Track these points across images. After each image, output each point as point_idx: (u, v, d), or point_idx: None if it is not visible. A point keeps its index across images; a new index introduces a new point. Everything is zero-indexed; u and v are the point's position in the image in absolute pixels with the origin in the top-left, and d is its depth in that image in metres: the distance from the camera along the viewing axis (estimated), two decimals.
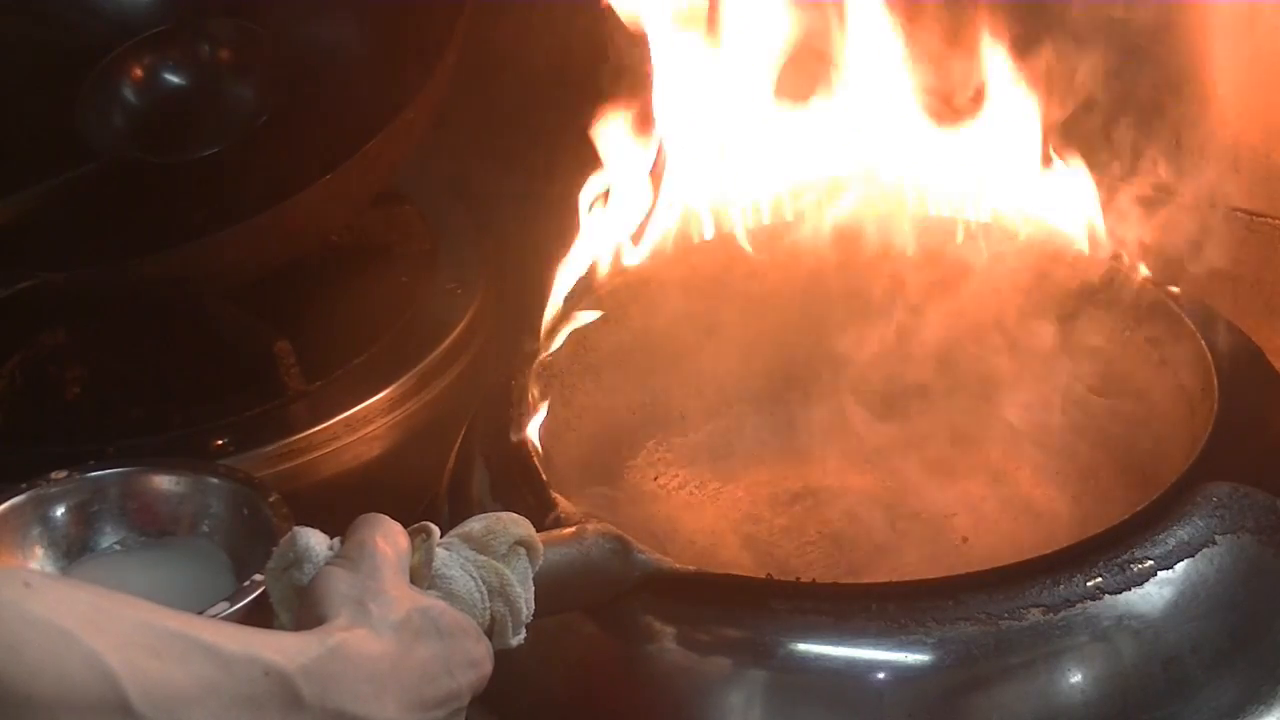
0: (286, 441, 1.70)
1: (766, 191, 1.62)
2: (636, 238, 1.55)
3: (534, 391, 1.43)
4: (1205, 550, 1.24)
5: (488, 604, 1.10)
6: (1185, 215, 1.52)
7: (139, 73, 1.97)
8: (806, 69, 1.61)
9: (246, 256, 1.76)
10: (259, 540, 1.39)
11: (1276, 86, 1.65)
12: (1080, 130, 1.53)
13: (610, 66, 1.58)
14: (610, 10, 1.57)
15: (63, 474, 1.49)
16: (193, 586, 1.42)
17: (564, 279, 1.50)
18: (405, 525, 1.09)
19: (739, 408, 1.60)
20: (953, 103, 1.58)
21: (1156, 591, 1.21)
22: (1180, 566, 1.23)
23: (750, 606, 1.23)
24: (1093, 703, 1.19)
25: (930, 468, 1.50)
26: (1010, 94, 1.55)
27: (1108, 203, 1.53)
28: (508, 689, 1.11)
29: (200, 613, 1.25)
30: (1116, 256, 1.51)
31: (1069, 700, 1.19)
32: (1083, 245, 1.52)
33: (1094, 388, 1.51)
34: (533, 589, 1.13)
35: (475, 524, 1.13)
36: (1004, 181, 1.57)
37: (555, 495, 1.31)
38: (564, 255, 1.51)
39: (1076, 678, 1.19)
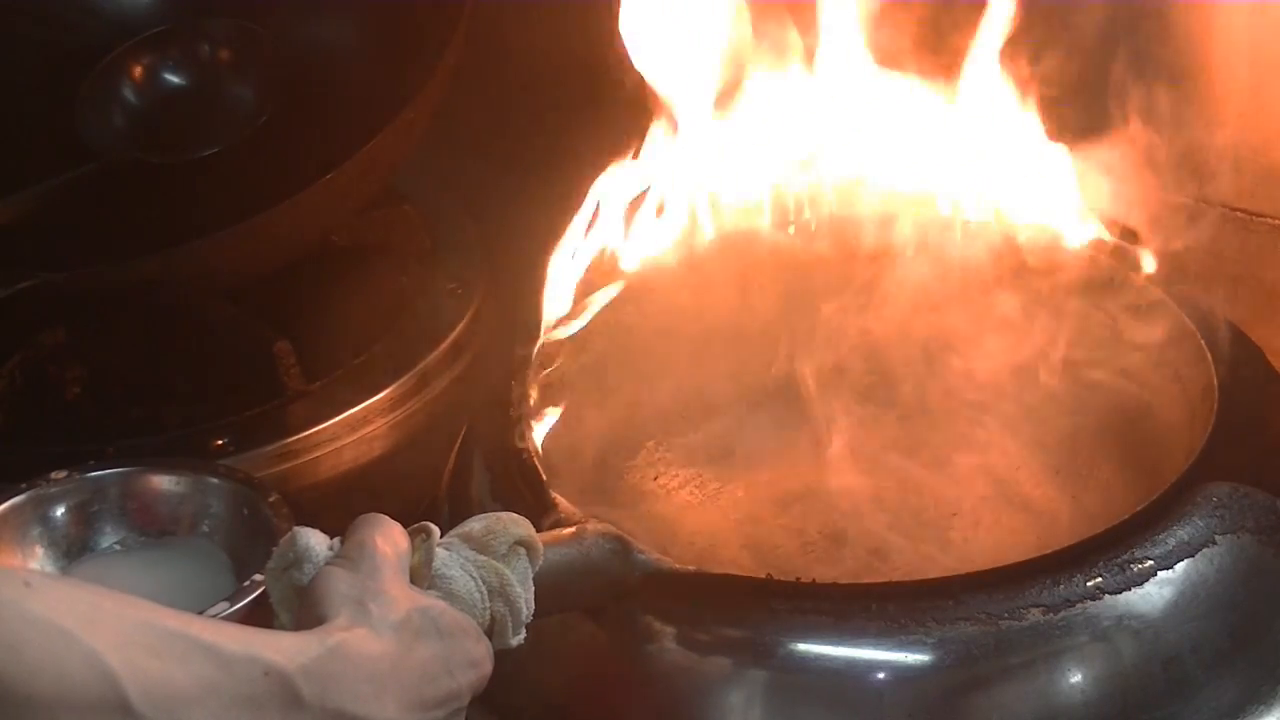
0: (286, 441, 1.70)
1: (766, 191, 1.62)
2: (637, 237, 1.56)
3: (534, 392, 1.43)
4: (1205, 550, 1.24)
5: (488, 604, 1.10)
6: (1185, 215, 1.52)
7: (139, 73, 1.97)
8: (806, 69, 1.61)
9: (246, 256, 1.76)
10: (259, 540, 1.39)
11: (1276, 86, 1.65)
12: (1080, 130, 1.52)
13: (612, 67, 1.58)
14: (611, 11, 1.57)
15: (63, 474, 1.49)
16: (193, 586, 1.42)
17: (564, 279, 1.50)
18: (405, 525, 1.09)
19: (739, 408, 1.60)
20: (952, 103, 1.58)
21: (1156, 591, 1.21)
22: (1180, 566, 1.23)
23: (750, 606, 1.23)
24: (1093, 703, 1.19)
25: (930, 468, 1.50)
26: (1010, 93, 1.54)
27: (1107, 203, 1.52)
28: (508, 689, 1.11)
29: (200, 613, 1.25)
30: (1116, 256, 1.51)
31: (1069, 700, 1.19)
32: (1083, 245, 1.52)
33: (1094, 387, 1.51)
34: (533, 589, 1.13)
35: (475, 524, 1.13)
36: (1004, 181, 1.57)
37: (555, 495, 1.31)
38: (564, 255, 1.51)
39: (1076, 678, 1.19)
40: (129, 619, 0.93)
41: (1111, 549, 1.23)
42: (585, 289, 1.52)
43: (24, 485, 1.47)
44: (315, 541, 1.07)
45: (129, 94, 1.97)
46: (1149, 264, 1.50)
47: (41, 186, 1.84)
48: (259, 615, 1.24)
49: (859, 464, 1.53)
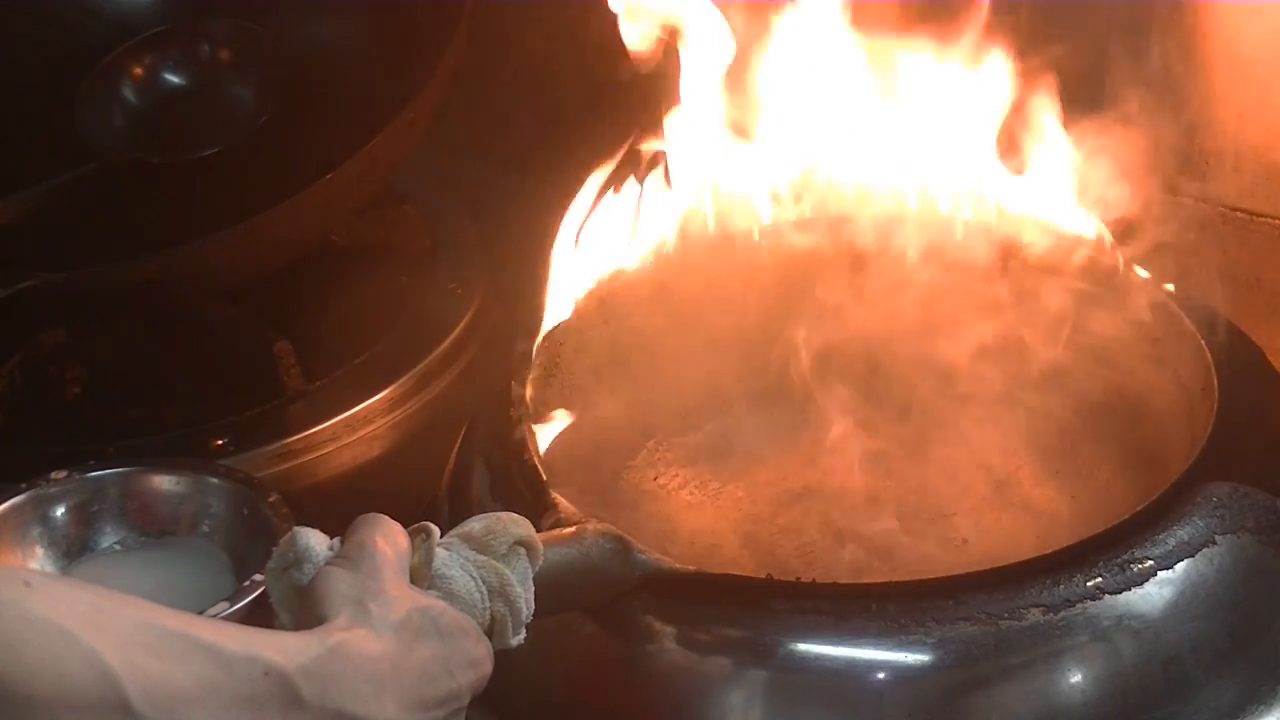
0: (286, 441, 1.70)
1: (767, 191, 1.62)
2: (637, 237, 1.56)
3: (534, 392, 1.43)
4: (1205, 550, 1.24)
5: (488, 604, 1.10)
6: (1185, 215, 1.52)
7: (139, 73, 1.97)
8: (807, 68, 1.61)
9: (246, 256, 1.76)
10: (259, 540, 1.39)
11: (1276, 86, 1.65)
12: (1080, 130, 1.52)
13: (609, 60, 1.58)
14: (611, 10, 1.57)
15: (63, 474, 1.49)
16: (193, 586, 1.42)
17: (564, 279, 1.50)
18: (405, 525, 1.09)
19: (739, 408, 1.60)
20: (952, 103, 1.58)
21: (1156, 591, 1.21)
22: (1180, 566, 1.23)
23: (750, 606, 1.23)
24: (1093, 703, 1.19)
25: (930, 468, 1.50)
26: (1010, 93, 1.54)
27: (1107, 203, 1.52)
28: (508, 689, 1.11)
29: (200, 613, 1.25)
30: (1116, 256, 1.51)
31: (1069, 700, 1.19)
32: (1083, 245, 1.52)
33: (1094, 388, 1.51)
34: (533, 589, 1.13)
35: (475, 524, 1.13)
36: (1004, 182, 1.57)
37: (555, 495, 1.31)
38: (563, 254, 1.51)
39: (1076, 678, 1.19)
40: (129, 619, 0.93)
41: (1111, 549, 1.23)
42: (585, 289, 1.53)
43: (24, 485, 1.48)
44: (315, 541, 1.07)
45: (129, 94, 1.97)
46: (1149, 264, 1.50)
47: (41, 186, 1.84)
48: (259, 615, 1.24)
49: (859, 464, 1.53)
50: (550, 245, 1.51)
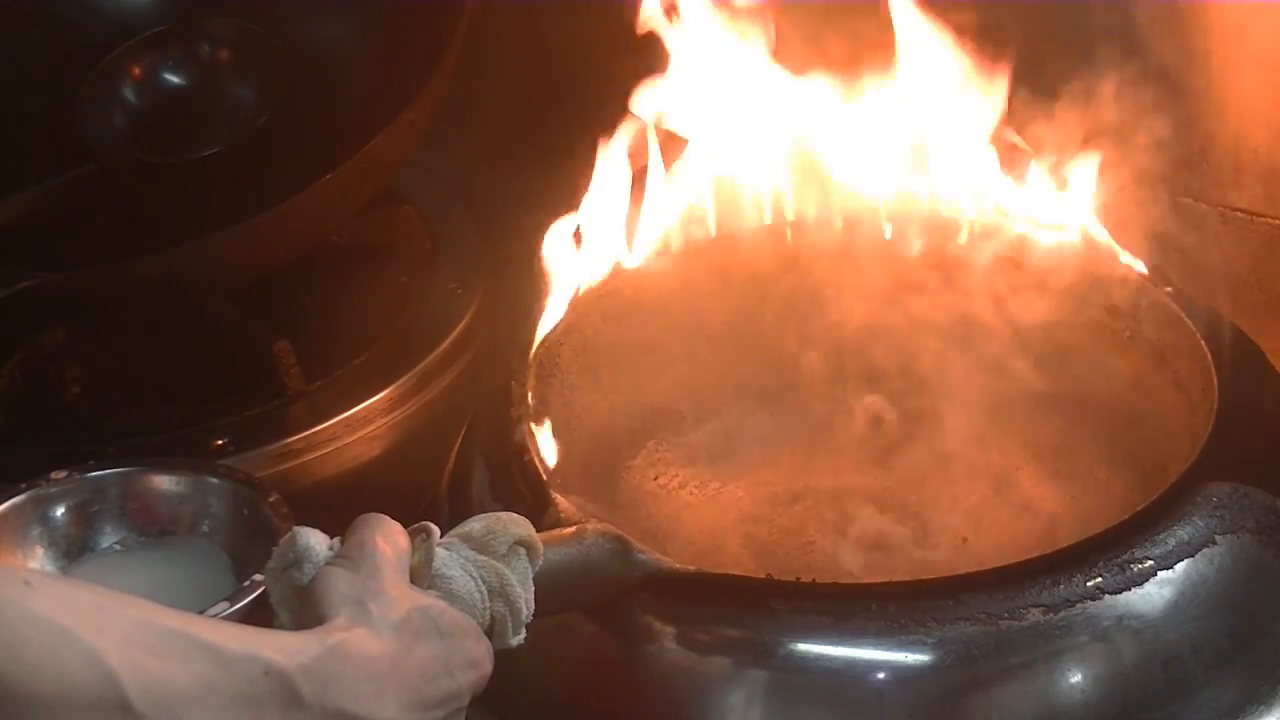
0: (286, 441, 1.70)
1: (767, 190, 1.62)
2: (637, 237, 1.56)
3: (534, 392, 1.43)
4: (1205, 550, 1.24)
5: (488, 604, 1.10)
6: (1185, 215, 1.52)
7: (139, 73, 1.97)
8: (807, 67, 1.61)
9: (246, 256, 1.76)
10: (259, 540, 1.39)
11: (1276, 86, 1.65)
12: (1079, 130, 1.52)
13: (614, 66, 1.58)
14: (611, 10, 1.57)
15: (63, 474, 1.49)
16: (193, 586, 1.42)
17: (563, 279, 1.50)
18: (405, 525, 1.09)
19: (739, 408, 1.60)
20: (952, 102, 1.58)
21: (1156, 591, 1.21)
22: (1180, 566, 1.23)
23: (750, 606, 1.23)
24: (1093, 703, 1.19)
25: (930, 468, 1.50)
26: (1008, 93, 1.55)
27: (1107, 203, 1.52)
28: (508, 689, 1.11)
29: (200, 613, 1.25)
30: (1116, 256, 1.51)
31: (1069, 700, 1.19)
32: (1083, 245, 1.52)
33: (1094, 388, 1.51)
34: (533, 589, 1.13)
35: (475, 524, 1.13)
36: (1004, 182, 1.57)
37: (555, 495, 1.31)
38: (563, 254, 1.51)
39: (1076, 678, 1.19)
40: (129, 618, 0.93)
41: (1111, 549, 1.23)
42: (585, 289, 1.52)
43: (24, 485, 1.48)
44: (315, 541, 1.07)
45: (129, 94, 1.97)
46: (1149, 264, 1.50)
47: (41, 186, 1.84)
48: (259, 615, 1.24)
49: (859, 463, 1.53)
50: (550, 245, 1.51)
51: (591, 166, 1.54)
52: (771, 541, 1.47)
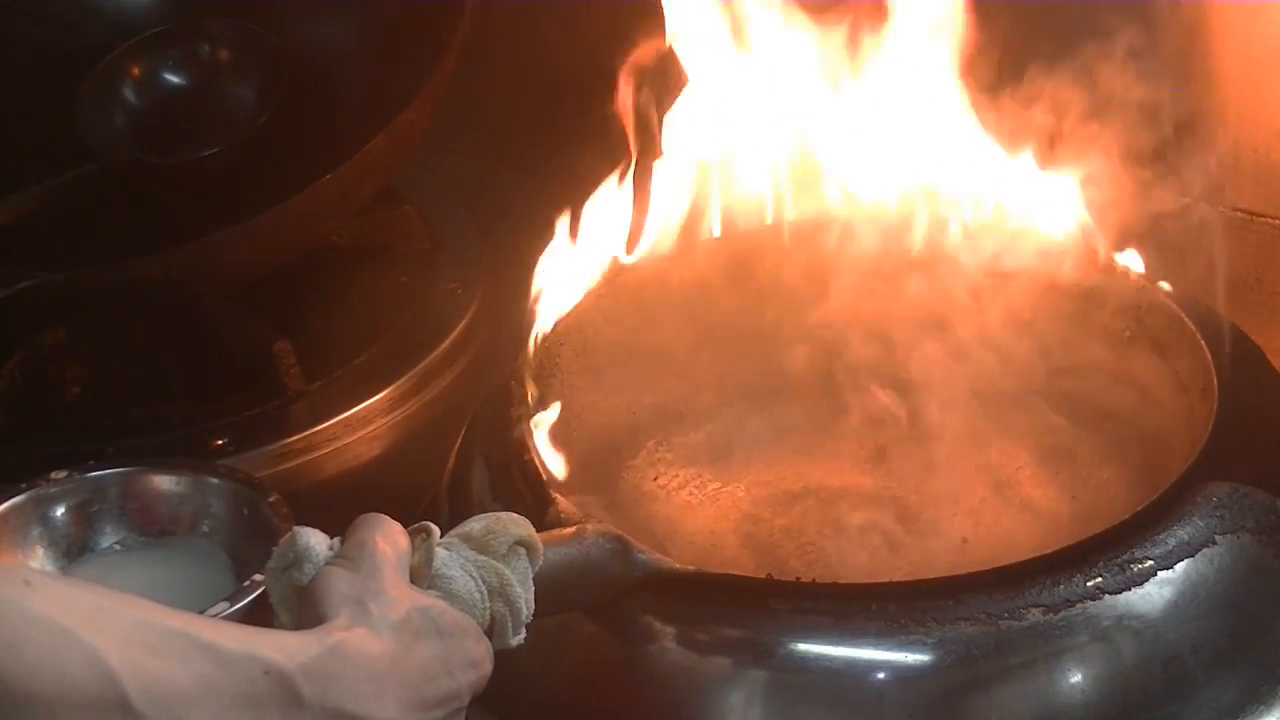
0: (286, 441, 1.70)
1: (767, 190, 1.62)
2: (637, 236, 1.56)
3: (534, 391, 1.43)
4: (1205, 550, 1.24)
5: (488, 604, 1.10)
6: (1185, 215, 1.52)
7: (139, 73, 1.97)
8: (808, 68, 1.61)
9: (246, 256, 1.76)
10: (259, 540, 1.39)
11: (1276, 86, 1.65)
12: (1079, 129, 1.52)
13: (614, 66, 1.58)
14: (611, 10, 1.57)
15: (63, 474, 1.49)
16: (193, 586, 1.42)
17: (563, 278, 1.50)
18: (405, 525, 1.09)
19: (739, 408, 1.60)
20: (951, 101, 1.58)
21: (1156, 591, 1.21)
22: (1180, 566, 1.22)
23: (750, 606, 1.23)
24: (1093, 703, 1.19)
25: (930, 468, 1.50)
26: (1008, 92, 1.54)
27: (1107, 203, 1.52)
28: (508, 689, 1.11)
29: (200, 613, 1.24)
30: (1116, 256, 1.51)
31: (1069, 700, 1.19)
32: (1082, 245, 1.52)
33: (1094, 388, 1.51)
34: (533, 589, 1.13)
35: (475, 524, 1.13)
36: (1003, 182, 1.57)
37: (555, 495, 1.31)
38: (563, 253, 1.51)
39: (1076, 678, 1.19)
40: (129, 618, 0.93)
41: (1111, 549, 1.23)
42: (585, 289, 1.52)
43: (24, 485, 1.48)
44: (315, 541, 1.07)
45: (129, 94, 1.97)
46: (1149, 264, 1.50)
47: (41, 186, 1.84)
48: (259, 615, 1.24)
49: (859, 464, 1.53)
50: (550, 244, 1.51)
51: (593, 167, 1.54)
52: (771, 541, 1.47)
